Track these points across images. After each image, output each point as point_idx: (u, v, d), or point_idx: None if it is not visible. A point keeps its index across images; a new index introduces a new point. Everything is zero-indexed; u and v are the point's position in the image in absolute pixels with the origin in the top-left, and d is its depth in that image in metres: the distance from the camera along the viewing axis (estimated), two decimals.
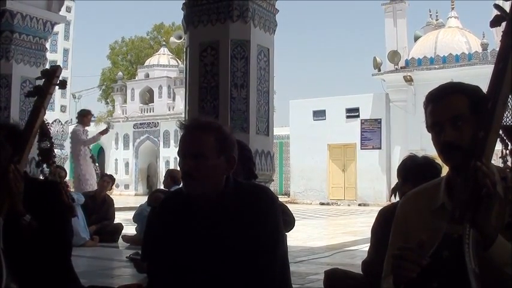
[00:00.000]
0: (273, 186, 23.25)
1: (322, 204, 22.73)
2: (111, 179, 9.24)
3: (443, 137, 1.74)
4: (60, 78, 2.87)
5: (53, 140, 2.87)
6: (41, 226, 2.46)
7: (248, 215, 2.06)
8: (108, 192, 9.12)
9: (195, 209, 2.13)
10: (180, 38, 29.92)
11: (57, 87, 2.88)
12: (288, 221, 3.88)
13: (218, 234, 2.06)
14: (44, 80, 2.85)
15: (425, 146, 14.84)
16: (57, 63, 26.92)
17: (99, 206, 8.67)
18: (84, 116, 10.16)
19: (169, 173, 7.98)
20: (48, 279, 2.51)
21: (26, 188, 2.47)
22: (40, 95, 2.78)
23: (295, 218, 4.16)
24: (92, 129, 38.40)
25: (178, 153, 2.10)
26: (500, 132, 1.66)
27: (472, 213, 1.53)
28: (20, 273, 2.42)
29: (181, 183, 2.16)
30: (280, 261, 2.13)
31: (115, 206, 9.22)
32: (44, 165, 2.88)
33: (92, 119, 38.97)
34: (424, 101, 1.86)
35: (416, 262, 1.53)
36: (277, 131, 19.78)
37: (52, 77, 2.83)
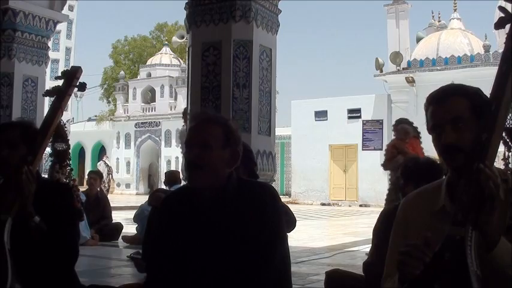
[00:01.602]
0: (275, 187, 23.11)
1: (323, 204, 22.72)
2: (98, 175, 9.20)
3: (444, 139, 1.74)
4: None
5: (69, 143, 2.85)
6: (50, 228, 2.44)
7: (250, 211, 2.06)
8: (111, 190, 9.08)
9: (197, 207, 2.13)
10: (182, 37, 29.96)
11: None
12: (289, 222, 3.88)
13: (220, 231, 2.06)
14: (63, 80, 2.82)
15: (427, 147, 14.78)
16: (60, 62, 26.96)
17: (94, 205, 8.61)
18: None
19: (168, 174, 8.01)
20: (52, 281, 2.50)
21: (38, 189, 2.45)
22: (58, 96, 2.76)
23: (296, 219, 4.16)
24: (94, 129, 38.17)
25: (186, 143, 2.12)
26: (503, 134, 1.66)
27: (474, 216, 1.53)
28: (24, 274, 2.41)
29: (186, 177, 2.16)
30: (280, 259, 2.12)
31: (117, 206, 9.21)
32: (57, 166, 2.86)
33: (94, 117, 38.68)
34: (424, 103, 1.86)
35: (420, 259, 1.54)
36: (279, 131, 19.79)
37: (72, 78, 2.81)
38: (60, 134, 2.78)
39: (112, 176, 29.57)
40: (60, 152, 2.84)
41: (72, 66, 3.02)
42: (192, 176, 2.10)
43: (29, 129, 2.65)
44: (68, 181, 2.87)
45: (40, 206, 2.43)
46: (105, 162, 29.62)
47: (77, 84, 2.81)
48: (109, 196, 9.88)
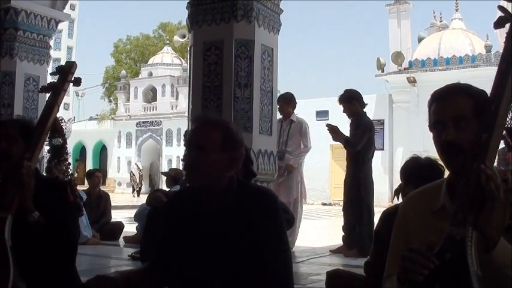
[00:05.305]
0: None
1: (324, 204, 22.71)
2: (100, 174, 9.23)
3: (445, 136, 1.73)
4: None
5: (66, 137, 2.85)
6: (48, 224, 2.45)
7: (252, 216, 2.06)
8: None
9: (199, 209, 2.13)
10: (183, 36, 29.98)
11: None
12: (288, 219, 3.89)
13: (222, 235, 2.06)
14: (58, 76, 2.83)
15: (427, 147, 14.71)
16: (61, 61, 26.97)
17: (96, 203, 8.60)
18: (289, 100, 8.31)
19: (172, 172, 7.96)
20: (53, 278, 2.50)
21: (36, 186, 2.46)
22: (54, 92, 2.77)
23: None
24: (95, 128, 38.15)
25: (185, 144, 2.19)
26: (503, 134, 1.66)
27: (474, 216, 1.53)
28: (27, 271, 2.41)
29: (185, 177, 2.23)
30: (282, 261, 2.13)
31: (118, 205, 9.19)
32: (54, 161, 2.86)
33: (95, 116, 38.81)
34: (429, 100, 1.85)
35: (424, 265, 1.52)
36: None
37: (67, 73, 2.81)
38: (57, 129, 2.78)
39: (143, 178, 29.87)
40: (57, 147, 2.84)
41: (66, 62, 3.01)
42: (188, 177, 2.18)
43: (28, 126, 2.66)
44: (66, 176, 2.87)
45: (37, 203, 2.44)
46: (138, 166, 29.91)
47: (72, 79, 2.81)
48: (111, 195, 9.86)
